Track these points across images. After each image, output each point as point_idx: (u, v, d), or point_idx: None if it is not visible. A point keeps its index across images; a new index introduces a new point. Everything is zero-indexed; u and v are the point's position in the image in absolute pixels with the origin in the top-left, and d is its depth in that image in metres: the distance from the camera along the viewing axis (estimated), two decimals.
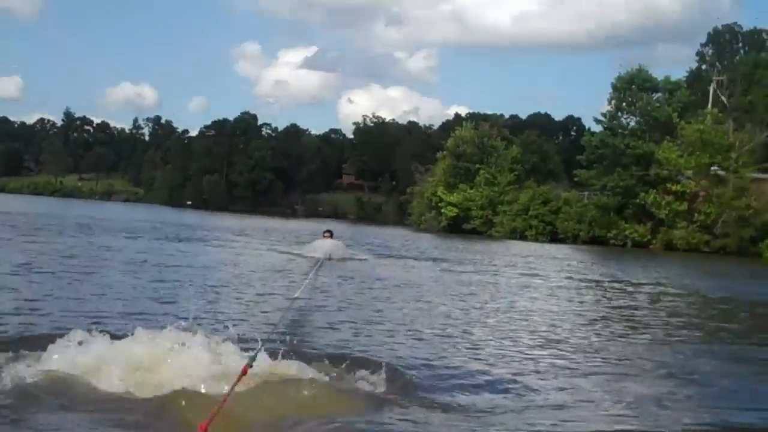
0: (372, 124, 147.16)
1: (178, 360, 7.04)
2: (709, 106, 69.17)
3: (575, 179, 70.93)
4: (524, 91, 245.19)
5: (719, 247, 57.98)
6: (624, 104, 67.89)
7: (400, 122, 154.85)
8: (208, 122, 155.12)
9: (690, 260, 46.96)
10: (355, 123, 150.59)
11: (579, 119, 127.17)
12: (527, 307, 16.18)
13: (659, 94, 68.12)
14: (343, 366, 7.96)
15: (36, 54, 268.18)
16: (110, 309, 11.27)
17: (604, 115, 68.32)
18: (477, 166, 76.45)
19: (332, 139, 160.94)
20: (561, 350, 10.64)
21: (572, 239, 64.73)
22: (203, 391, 6.40)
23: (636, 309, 17.41)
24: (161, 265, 20.17)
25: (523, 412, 7.14)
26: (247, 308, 13.03)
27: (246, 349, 7.34)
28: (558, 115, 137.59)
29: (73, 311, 10.83)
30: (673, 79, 70.63)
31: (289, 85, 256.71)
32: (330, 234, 28.79)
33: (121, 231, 35.71)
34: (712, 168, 61.06)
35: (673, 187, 61.40)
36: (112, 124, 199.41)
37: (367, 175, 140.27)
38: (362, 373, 7.81)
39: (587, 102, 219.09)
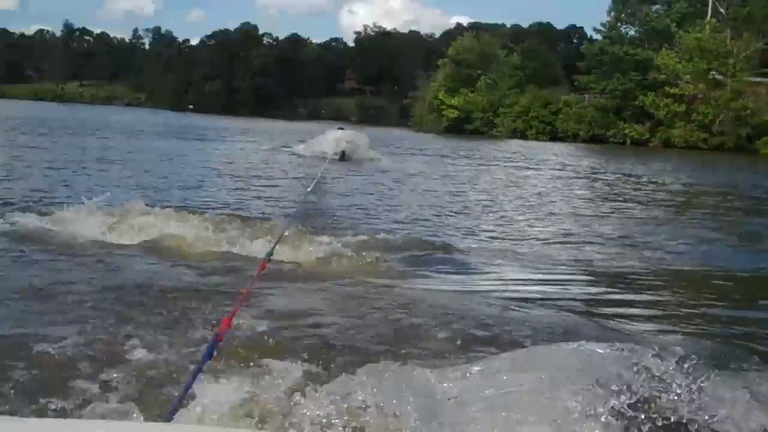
0: (373, 34, 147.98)
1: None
2: (708, 16, 70.82)
3: (575, 84, 72.96)
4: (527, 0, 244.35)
5: (717, 144, 60.28)
6: (623, 15, 69.59)
7: (401, 31, 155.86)
8: (209, 33, 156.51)
9: (688, 156, 49.27)
10: (356, 32, 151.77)
11: (581, 28, 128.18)
12: (516, 183, 18.83)
13: (658, 6, 69.84)
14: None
15: None
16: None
17: (603, 25, 70.16)
18: (478, 71, 78.29)
19: (333, 47, 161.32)
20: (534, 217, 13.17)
21: (572, 138, 66.99)
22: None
23: (614, 192, 19.57)
24: (178, 158, 22.70)
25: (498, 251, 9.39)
26: (267, 202, 13.60)
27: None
28: (560, 24, 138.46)
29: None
30: None
31: None
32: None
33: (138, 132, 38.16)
34: (710, 73, 63.15)
35: (672, 90, 63.49)
36: (112, 34, 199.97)
37: (369, 80, 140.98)
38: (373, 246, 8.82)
39: (590, 11, 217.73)
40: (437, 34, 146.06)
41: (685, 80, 63.84)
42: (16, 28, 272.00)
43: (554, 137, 67.83)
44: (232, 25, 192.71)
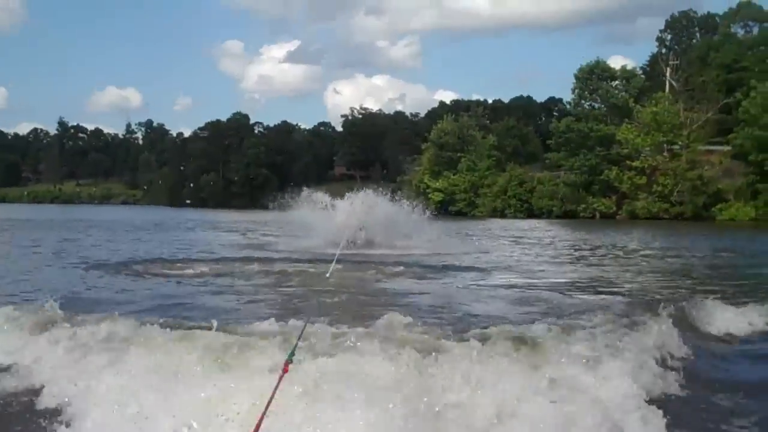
0: (360, 116, 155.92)
1: None
2: (666, 89, 78.29)
3: (546, 161, 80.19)
4: (507, 73, 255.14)
5: (677, 213, 66.92)
6: (586, 92, 77.14)
7: (386, 111, 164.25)
8: (197, 121, 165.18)
9: (650, 226, 53.67)
10: (343, 116, 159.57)
11: (560, 99, 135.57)
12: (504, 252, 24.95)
13: (617, 82, 77.46)
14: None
15: (18, 63, 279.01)
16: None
17: (569, 103, 77.66)
18: (459, 154, 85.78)
19: (322, 132, 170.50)
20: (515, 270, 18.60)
21: (547, 214, 73.73)
22: None
23: (582, 252, 25.08)
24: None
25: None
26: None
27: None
28: (540, 96, 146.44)
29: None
30: (629, 67, 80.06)
31: (274, 80, 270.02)
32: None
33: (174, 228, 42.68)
34: (666, 145, 70.36)
35: (633, 164, 70.55)
36: (105, 129, 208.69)
37: (357, 165, 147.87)
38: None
39: (569, 81, 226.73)
40: (422, 113, 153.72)
41: (645, 153, 70.91)
42: (3, 127, 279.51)
43: (531, 214, 74.51)
44: (217, 112, 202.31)
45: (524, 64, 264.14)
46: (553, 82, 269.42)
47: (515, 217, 73.42)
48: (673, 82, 77.52)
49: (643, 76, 79.99)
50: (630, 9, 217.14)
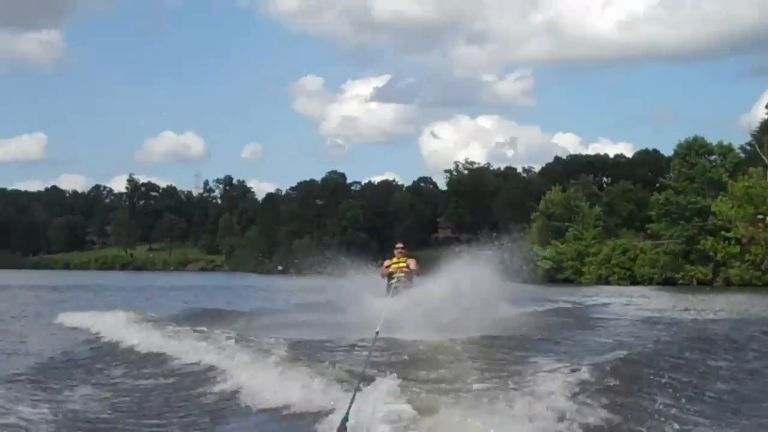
0: (465, 172, 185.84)
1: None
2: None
3: (647, 231, 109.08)
4: (636, 111, 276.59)
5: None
6: (684, 168, 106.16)
7: (493, 162, 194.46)
8: (268, 171, 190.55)
9: (744, 293, 76.04)
10: (446, 171, 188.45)
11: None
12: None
13: (715, 156, 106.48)
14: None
15: (57, 105, 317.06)
16: None
17: (668, 177, 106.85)
18: (566, 224, 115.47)
19: (422, 189, 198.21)
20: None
21: (648, 281, 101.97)
22: None
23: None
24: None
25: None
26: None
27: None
28: (670, 143, 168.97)
29: None
30: (725, 143, 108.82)
31: (359, 121, 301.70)
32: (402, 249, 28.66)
33: None
34: (759, 216, 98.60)
35: (727, 234, 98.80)
36: (179, 187, 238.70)
37: (464, 227, 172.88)
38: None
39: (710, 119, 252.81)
40: (535, 166, 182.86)
41: (739, 224, 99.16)
42: (46, 181, 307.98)
43: (633, 281, 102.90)
44: (295, 160, 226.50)
45: (658, 100, 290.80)
46: (689, 121, 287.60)
47: (618, 284, 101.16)
48: (764, 156, 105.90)
49: (738, 150, 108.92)
50: None
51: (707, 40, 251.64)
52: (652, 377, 15.16)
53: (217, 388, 16.06)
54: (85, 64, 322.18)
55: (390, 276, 26.83)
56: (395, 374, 11.42)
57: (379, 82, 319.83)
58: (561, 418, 10.76)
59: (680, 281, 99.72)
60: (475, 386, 13.71)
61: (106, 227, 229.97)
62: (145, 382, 18.14)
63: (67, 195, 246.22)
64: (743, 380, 17.23)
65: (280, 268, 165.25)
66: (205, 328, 24.18)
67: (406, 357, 18.71)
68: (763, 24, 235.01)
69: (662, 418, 12.00)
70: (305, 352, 18.57)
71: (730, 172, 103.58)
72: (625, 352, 18.39)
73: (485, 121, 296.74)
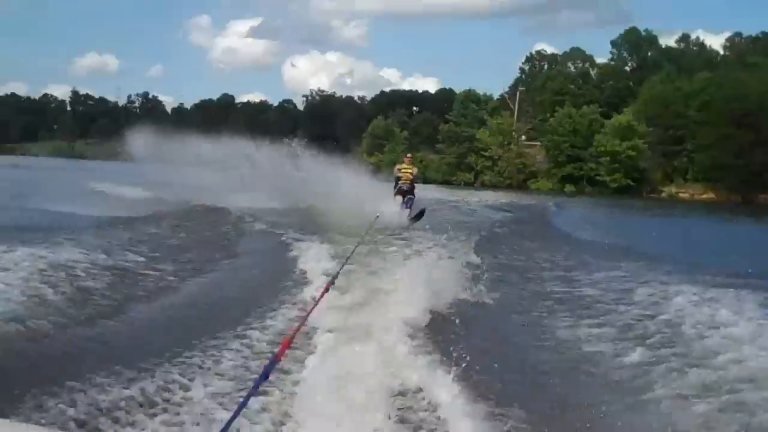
0: (317, 98, 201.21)
1: None
2: (516, 107, 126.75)
3: (436, 148, 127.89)
4: (440, 58, 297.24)
5: (507, 184, 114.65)
6: (461, 109, 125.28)
7: (338, 92, 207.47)
8: (172, 88, 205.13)
9: (494, 191, 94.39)
10: (304, 96, 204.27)
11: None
12: None
13: (481, 102, 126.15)
14: None
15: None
16: None
17: (451, 115, 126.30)
18: (384, 142, 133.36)
19: (286, 108, 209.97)
20: None
21: (434, 182, 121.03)
22: None
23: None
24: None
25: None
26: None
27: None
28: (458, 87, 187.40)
29: None
30: (488, 93, 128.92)
31: (238, 52, 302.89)
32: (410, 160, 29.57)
33: None
34: (505, 143, 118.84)
35: (485, 153, 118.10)
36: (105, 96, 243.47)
37: (315, 140, 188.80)
38: None
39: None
40: (368, 95, 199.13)
41: (492, 147, 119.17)
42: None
43: (425, 181, 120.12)
44: (190, 80, 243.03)
45: (456, 51, 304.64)
46: (476, 70, 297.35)
47: None
48: (512, 105, 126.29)
49: (496, 98, 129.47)
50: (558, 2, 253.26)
51: (500, 4, 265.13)
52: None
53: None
54: None
55: (398, 179, 28.32)
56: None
57: (254, 22, 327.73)
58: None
59: (453, 182, 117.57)
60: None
61: (54, 126, 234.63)
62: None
63: (23, 99, 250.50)
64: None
65: None
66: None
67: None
68: None
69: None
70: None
71: (489, 113, 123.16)
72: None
73: (332, 57, 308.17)
